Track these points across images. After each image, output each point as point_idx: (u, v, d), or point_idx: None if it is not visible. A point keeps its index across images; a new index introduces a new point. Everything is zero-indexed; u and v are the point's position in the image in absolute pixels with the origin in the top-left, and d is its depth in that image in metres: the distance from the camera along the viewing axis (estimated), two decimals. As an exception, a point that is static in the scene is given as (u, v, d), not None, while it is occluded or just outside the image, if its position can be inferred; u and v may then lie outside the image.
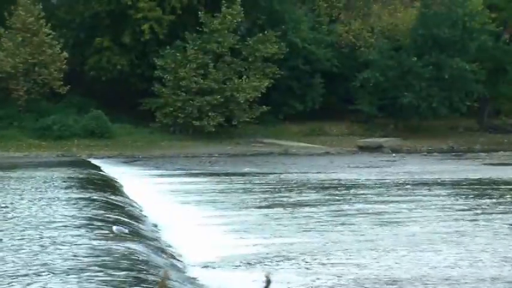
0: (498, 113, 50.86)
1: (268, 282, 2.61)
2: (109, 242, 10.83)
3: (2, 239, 11.49)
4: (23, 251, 10.31)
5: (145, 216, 16.59)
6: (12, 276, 8.56)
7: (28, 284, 8.13)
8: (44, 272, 8.57)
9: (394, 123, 47.45)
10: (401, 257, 12.95)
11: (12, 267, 9.02)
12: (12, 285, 8.22)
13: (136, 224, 14.26)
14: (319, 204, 20.74)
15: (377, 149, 43.86)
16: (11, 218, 14.15)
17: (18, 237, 11.57)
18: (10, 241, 11.27)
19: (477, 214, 18.37)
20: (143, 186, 24.47)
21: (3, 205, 16.28)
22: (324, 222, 17.16)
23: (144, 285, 7.83)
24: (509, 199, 21.17)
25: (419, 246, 13.77)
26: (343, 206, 20.03)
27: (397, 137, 45.86)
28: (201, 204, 20.40)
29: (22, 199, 17.42)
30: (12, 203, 16.49)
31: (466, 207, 19.79)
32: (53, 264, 8.93)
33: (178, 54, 43.06)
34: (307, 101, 46.14)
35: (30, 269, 8.87)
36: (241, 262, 12.27)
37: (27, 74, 41.36)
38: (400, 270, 11.84)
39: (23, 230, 12.31)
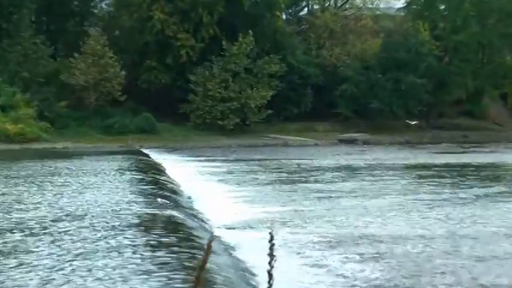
0: (441, 115, 56.00)
1: (272, 237, 2.45)
2: (154, 210, 11.82)
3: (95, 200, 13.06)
4: (99, 207, 12.03)
5: (182, 190, 17.78)
6: (91, 224, 10.00)
7: (101, 228, 9.61)
8: (106, 228, 9.69)
9: (365, 122, 52.32)
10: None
11: (90, 219, 10.51)
12: (89, 221, 10.18)
13: (175, 196, 15.37)
14: (311, 182, 22.48)
15: (352, 141, 48.66)
16: (85, 188, 15.81)
17: (87, 201, 13.04)
18: (91, 201, 12.91)
19: (422, 185, 21.23)
20: (180, 168, 25.58)
21: (77, 180, 18.05)
22: (313, 197, 18.21)
23: (185, 243, 8.62)
24: (446, 178, 23.89)
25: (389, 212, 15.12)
26: (327, 185, 21.38)
27: (367, 133, 50.62)
28: (223, 181, 22.21)
29: (89, 177, 19.13)
30: (82, 180, 18.27)
31: (419, 182, 22.72)
32: (117, 223, 10.10)
33: (206, 72, 48.29)
34: (301, 106, 51.06)
35: (104, 222, 10.19)
36: (251, 224, 13.53)
37: (95, 87, 46.63)
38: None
39: (89, 197, 13.75)
